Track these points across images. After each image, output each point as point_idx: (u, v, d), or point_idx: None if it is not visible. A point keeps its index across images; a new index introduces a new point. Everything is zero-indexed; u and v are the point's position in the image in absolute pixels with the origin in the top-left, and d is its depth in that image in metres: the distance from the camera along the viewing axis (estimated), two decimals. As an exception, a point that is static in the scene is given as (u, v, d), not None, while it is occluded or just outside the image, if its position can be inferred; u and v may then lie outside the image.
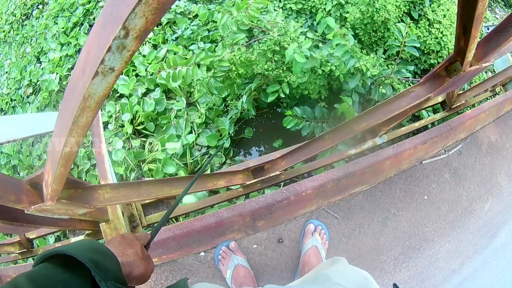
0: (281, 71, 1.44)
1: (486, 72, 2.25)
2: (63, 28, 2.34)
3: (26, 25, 2.82)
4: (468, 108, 1.78)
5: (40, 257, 0.39)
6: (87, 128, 0.47)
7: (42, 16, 2.65)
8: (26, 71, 2.44)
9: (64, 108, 0.48)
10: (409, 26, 1.27)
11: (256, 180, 1.26)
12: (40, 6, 2.78)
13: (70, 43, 2.25)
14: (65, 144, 0.49)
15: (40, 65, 2.38)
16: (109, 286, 0.38)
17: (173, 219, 1.49)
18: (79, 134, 0.48)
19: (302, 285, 0.84)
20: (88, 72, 0.38)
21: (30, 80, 2.33)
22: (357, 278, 0.74)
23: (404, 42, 1.32)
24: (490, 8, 2.75)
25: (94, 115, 0.45)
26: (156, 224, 1.29)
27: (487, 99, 1.96)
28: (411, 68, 1.40)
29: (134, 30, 0.33)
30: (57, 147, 0.52)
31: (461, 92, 1.62)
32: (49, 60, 2.31)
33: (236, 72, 1.44)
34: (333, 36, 1.31)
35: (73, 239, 1.27)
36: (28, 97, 2.32)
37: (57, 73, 2.15)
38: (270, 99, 1.43)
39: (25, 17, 2.93)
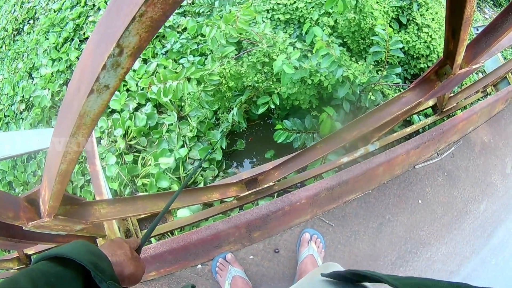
0: (271, 83, 1.44)
1: (476, 72, 2.27)
2: (54, 43, 2.34)
3: (17, 40, 2.82)
4: (460, 111, 1.79)
5: (40, 257, 0.42)
6: (83, 145, 0.48)
7: (33, 31, 2.65)
8: (18, 87, 2.44)
9: (59, 125, 0.49)
10: (386, 28, 1.27)
11: (250, 192, 1.27)
12: (31, 21, 2.78)
13: (61, 58, 2.25)
14: (61, 161, 0.50)
15: (32, 81, 2.38)
16: (109, 285, 0.40)
17: (169, 233, 1.50)
18: (75, 152, 0.49)
19: None
20: (83, 90, 0.38)
21: (23, 96, 2.33)
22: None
23: (388, 45, 1.32)
24: (479, 8, 2.77)
25: (90, 132, 0.46)
26: (159, 234, 1.31)
27: (479, 100, 1.97)
28: (398, 70, 1.40)
29: (128, 48, 0.34)
30: (54, 164, 0.53)
31: (452, 94, 1.63)
32: (40, 76, 2.31)
33: (226, 85, 1.44)
34: (319, 47, 1.31)
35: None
36: (21, 113, 2.31)
37: (49, 89, 2.15)
38: (261, 110, 1.43)
39: (16, 32, 2.93)
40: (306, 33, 1.51)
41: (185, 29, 1.95)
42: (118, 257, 0.50)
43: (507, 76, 1.99)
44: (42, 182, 0.63)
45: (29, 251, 1.29)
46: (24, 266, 1.28)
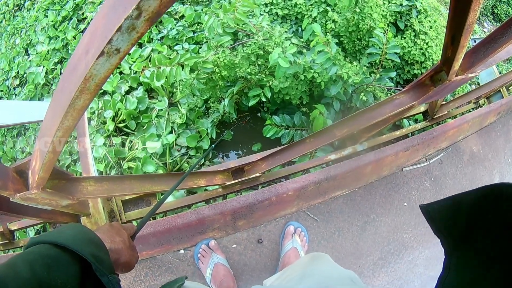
0: (263, 76, 1.44)
1: (470, 85, 2.30)
2: (52, 21, 2.33)
3: (17, 16, 2.80)
4: (450, 119, 1.81)
5: (37, 240, 0.40)
6: (83, 112, 0.46)
7: (34, 8, 2.64)
8: (14, 62, 2.42)
9: (60, 90, 0.47)
10: (386, 31, 1.28)
11: (236, 181, 1.26)
12: (33, -2, 2.77)
13: (58, 37, 2.23)
14: (58, 128, 0.48)
15: (28, 57, 2.37)
16: (111, 279, 0.40)
17: (151, 218, 1.49)
18: (74, 118, 0.47)
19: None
20: (93, 52, 0.37)
21: (18, 72, 2.31)
22: (344, 280, 0.68)
23: (385, 49, 1.33)
24: (478, 22, 2.81)
25: (92, 98, 0.44)
26: (143, 217, 1.30)
27: (470, 111, 1.99)
28: (393, 74, 1.41)
29: (147, 11, 0.33)
30: (49, 131, 0.51)
31: (444, 102, 1.64)
32: (37, 53, 2.30)
33: (219, 74, 1.44)
34: (316, 43, 1.32)
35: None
36: (14, 88, 2.29)
37: (43, 66, 2.13)
38: (252, 103, 1.43)
39: (17, 7, 2.92)
40: (304, 29, 1.51)
41: (182, 16, 1.95)
42: (117, 244, 0.49)
43: (501, 90, 2.02)
44: (34, 152, 0.61)
45: (13, 226, 1.28)
46: (7, 241, 1.26)
